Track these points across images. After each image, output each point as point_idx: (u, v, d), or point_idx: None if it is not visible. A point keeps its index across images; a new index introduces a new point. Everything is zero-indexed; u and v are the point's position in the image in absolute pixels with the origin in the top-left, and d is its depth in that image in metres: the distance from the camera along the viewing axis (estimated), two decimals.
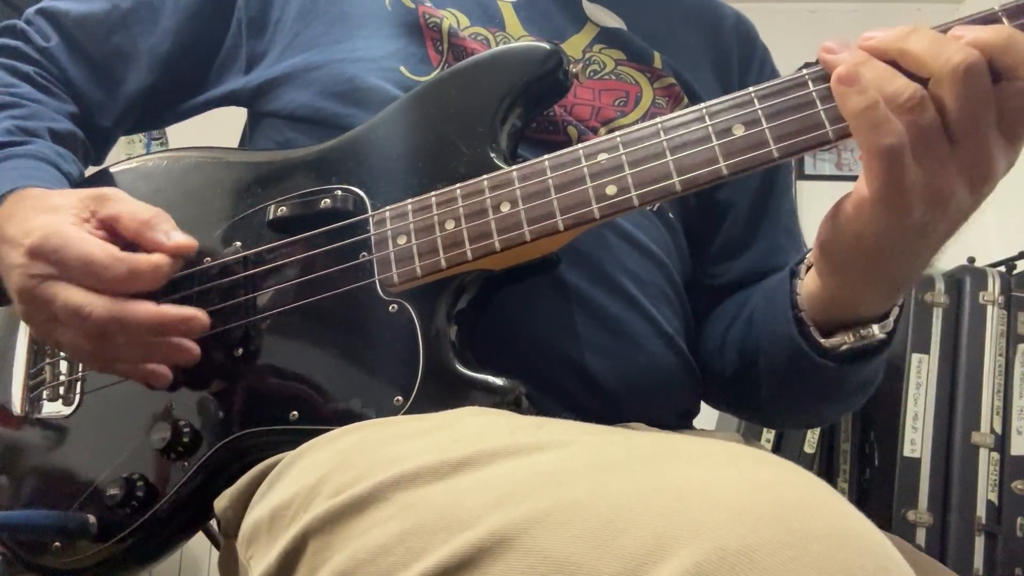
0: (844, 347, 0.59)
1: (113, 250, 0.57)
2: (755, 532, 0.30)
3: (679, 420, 0.75)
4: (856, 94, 0.48)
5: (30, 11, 0.79)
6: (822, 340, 0.60)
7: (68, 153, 0.71)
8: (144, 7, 0.78)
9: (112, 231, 0.60)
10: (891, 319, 0.59)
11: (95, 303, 0.56)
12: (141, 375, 0.60)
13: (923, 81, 0.48)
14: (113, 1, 0.78)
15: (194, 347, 0.60)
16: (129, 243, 0.60)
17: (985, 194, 0.50)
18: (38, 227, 0.58)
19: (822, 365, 0.60)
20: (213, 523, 0.64)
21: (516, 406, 0.55)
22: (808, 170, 2.74)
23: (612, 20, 0.80)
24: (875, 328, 0.58)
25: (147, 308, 0.57)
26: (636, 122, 0.74)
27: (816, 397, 0.69)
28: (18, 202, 0.61)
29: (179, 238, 0.60)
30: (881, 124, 0.47)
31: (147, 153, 0.75)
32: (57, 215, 0.59)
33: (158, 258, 0.58)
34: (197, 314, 0.59)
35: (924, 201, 0.49)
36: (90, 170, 0.77)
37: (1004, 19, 0.50)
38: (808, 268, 0.62)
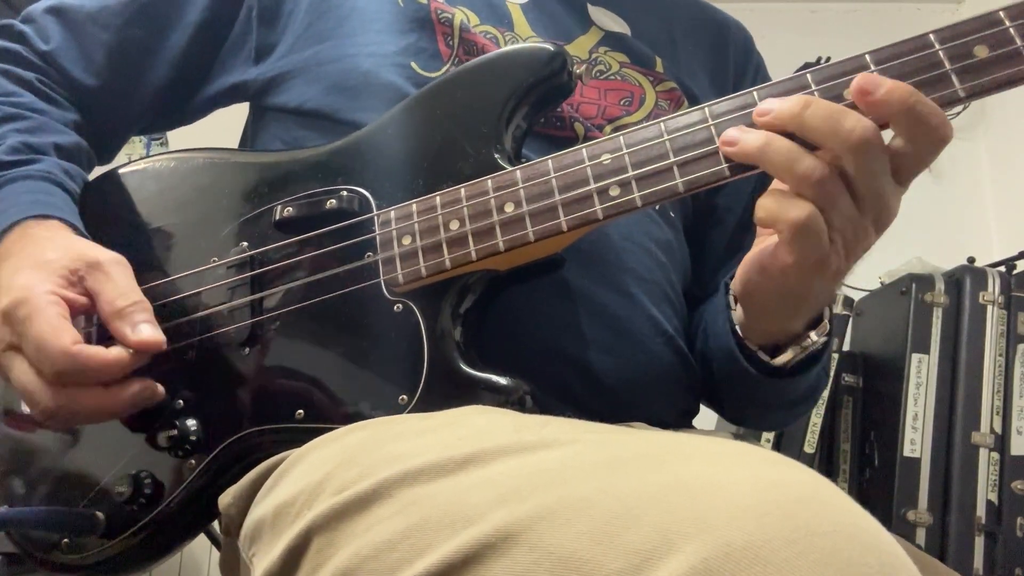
0: (793, 361, 0.64)
1: (67, 341, 0.55)
2: (761, 528, 0.31)
3: (679, 419, 0.75)
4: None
5: (35, 9, 0.77)
6: (771, 360, 0.64)
7: (74, 168, 0.70)
8: (163, 0, 0.77)
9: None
10: (825, 320, 0.63)
11: (41, 394, 0.56)
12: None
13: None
14: None
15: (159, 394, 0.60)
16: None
17: (885, 228, 0.54)
18: (17, 287, 0.57)
19: (771, 382, 0.65)
20: (214, 523, 0.64)
21: (520, 406, 0.55)
22: None
23: (616, 25, 0.81)
24: (813, 335, 0.63)
25: (94, 401, 0.57)
26: (640, 122, 0.75)
27: (765, 406, 0.75)
28: (20, 240, 0.61)
29: (145, 334, 0.57)
30: (784, 207, 0.51)
31: (147, 153, 0.75)
32: (41, 275, 0.57)
33: (117, 354, 0.56)
34: (147, 386, 0.59)
35: (840, 253, 0.53)
36: (97, 171, 0.77)
37: (1006, 20, 0.51)
38: (735, 297, 0.66)
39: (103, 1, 0.77)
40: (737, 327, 0.65)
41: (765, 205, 0.53)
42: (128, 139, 0.83)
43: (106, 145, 0.80)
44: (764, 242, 0.58)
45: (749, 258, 0.60)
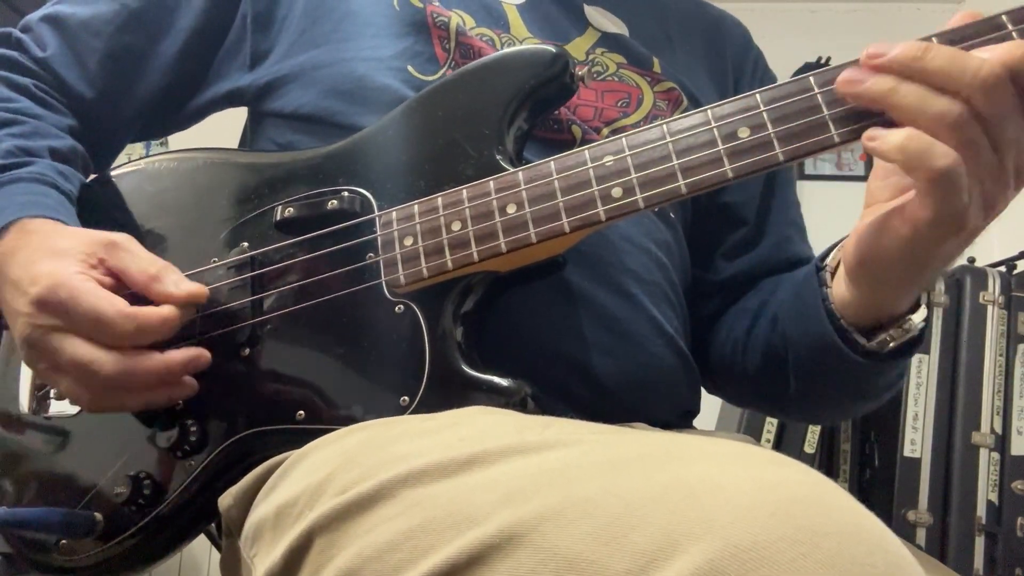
0: (891, 344, 0.59)
1: (122, 306, 0.57)
2: (766, 529, 0.31)
3: (679, 420, 0.75)
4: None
5: (32, 18, 0.78)
6: (866, 343, 0.60)
7: (69, 170, 0.70)
8: (156, 7, 0.78)
9: (119, 280, 0.60)
10: (923, 305, 0.59)
11: (104, 359, 0.57)
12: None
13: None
14: (121, 1, 0.77)
15: (193, 384, 0.61)
16: (135, 293, 0.60)
17: None
18: (44, 275, 0.57)
19: (866, 366, 0.60)
20: (213, 524, 0.64)
21: (522, 407, 0.55)
22: (808, 170, 2.74)
23: (613, 25, 0.81)
24: (914, 319, 0.59)
25: (155, 361, 0.58)
26: (638, 123, 0.75)
27: (851, 394, 0.69)
28: (22, 236, 0.61)
29: (189, 287, 0.60)
30: (929, 149, 0.47)
31: (147, 155, 0.75)
32: (63, 261, 0.58)
33: (168, 311, 0.59)
34: (201, 353, 0.60)
35: (981, 209, 0.49)
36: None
37: (1009, 24, 0.50)
38: (832, 274, 0.62)
39: (96, 9, 0.77)
40: (835, 308, 0.60)
41: (906, 147, 0.47)
42: (125, 145, 0.83)
43: (103, 152, 0.80)
44: (880, 209, 0.54)
45: (867, 225, 0.55)
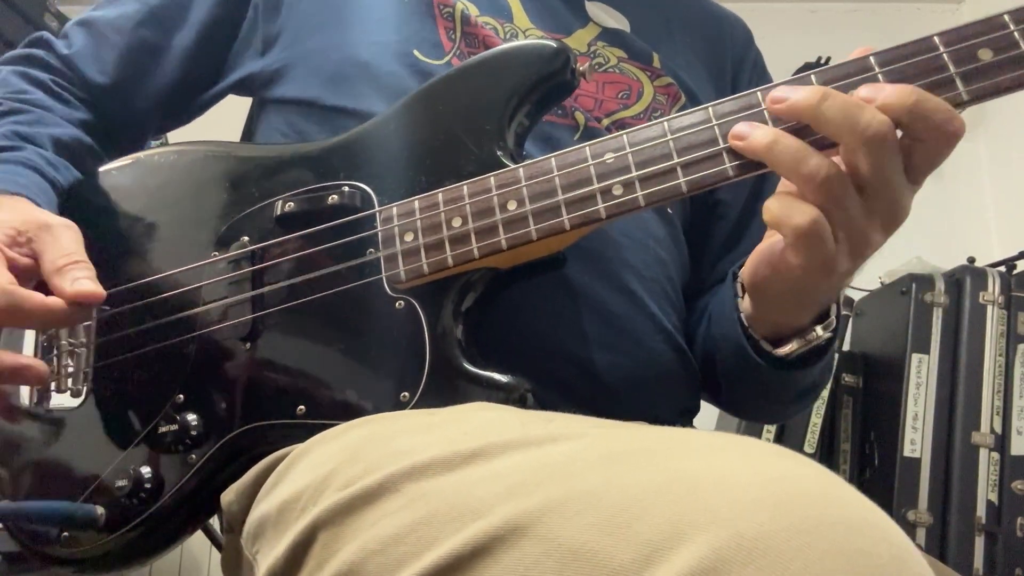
0: (795, 353, 0.64)
1: (4, 280, 0.56)
2: (771, 520, 0.31)
3: (680, 418, 0.75)
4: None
5: (68, 24, 0.82)
6: (775, 351, 0.64)
7: (62, 162, 0.72)
8: (172, 3, 0.81)
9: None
10: (832, 316, 0.64)
11: None
12: None
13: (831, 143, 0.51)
14: (144, 0, 0.81)
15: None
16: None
17: (896, 229, 0.54)
18: None
19: (776, 373, 0.65)
20: (214, 524, 0.64)
21: (521, 403, 0.55)
22: None
23: (614, 21, 0.81)
24: (819, 330, 0.63)
25: None
26: (639, 115, 0.75)
27: (768, 398, 0.75)
28: None
29: (83, 287, 0.58)
30: (789, 209, 0.52)
31: (146, 148, 0.76)
32: None
33: (51, 302, 0.57)
34: (33, 364, 0.59)
35: (848, 254, 0.53)
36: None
37: (1011, 24, 0.51)
38: (743, 287, 0.66)
39: (122, 9, 0.81)
40: (743, 317, 0.65)
41: (770, 208, 0.53)
42: (145, 141, 0.86)
43: (121, 145, 0.82)
44: (774, 236, 0.58)
45: (759, 252, 0.60)
